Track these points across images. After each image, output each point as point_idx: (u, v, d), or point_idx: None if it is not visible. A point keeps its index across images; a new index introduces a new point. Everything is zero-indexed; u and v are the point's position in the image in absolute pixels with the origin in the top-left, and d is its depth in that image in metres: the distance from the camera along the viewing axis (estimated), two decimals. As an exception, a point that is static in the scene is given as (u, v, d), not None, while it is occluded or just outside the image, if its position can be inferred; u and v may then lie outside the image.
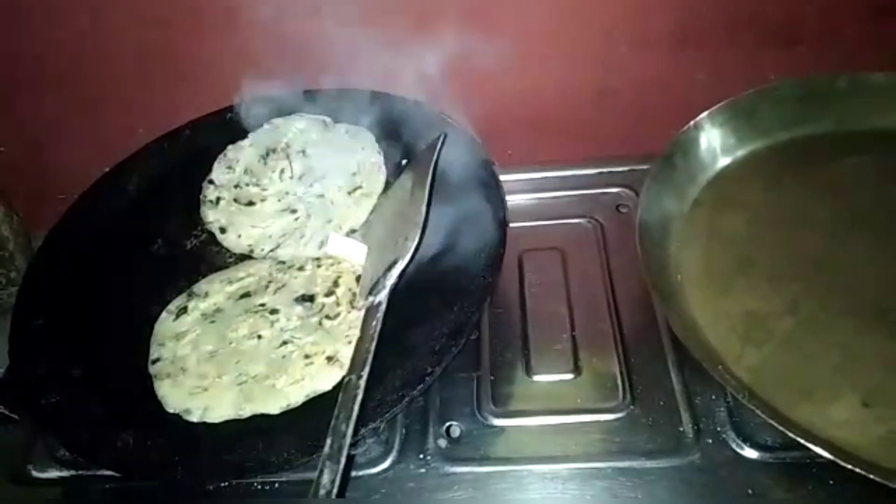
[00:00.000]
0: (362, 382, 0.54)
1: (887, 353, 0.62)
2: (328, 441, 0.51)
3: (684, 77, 0.88)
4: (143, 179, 0.84)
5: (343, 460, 0.49)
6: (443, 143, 0.70)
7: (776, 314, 0.66)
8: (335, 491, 0.48)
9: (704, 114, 0.77)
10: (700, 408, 0.64)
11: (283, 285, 0.72)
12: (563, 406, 0.66)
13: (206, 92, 0.90)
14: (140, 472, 0.61)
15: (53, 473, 0.69)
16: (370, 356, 0.56)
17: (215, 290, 0.73)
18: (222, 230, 0.80)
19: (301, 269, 0.73)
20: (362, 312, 0.63)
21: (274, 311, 0.70)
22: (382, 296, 0.62)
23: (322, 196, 0.80)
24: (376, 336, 0.58)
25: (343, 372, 0.65)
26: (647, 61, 0.88)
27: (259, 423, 0.63)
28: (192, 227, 0.82)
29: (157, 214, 0.83)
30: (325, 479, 0.49)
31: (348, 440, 0.51)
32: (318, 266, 0.73)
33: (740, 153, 0.79)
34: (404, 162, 0.82)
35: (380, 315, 0.60)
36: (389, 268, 0.64)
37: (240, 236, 0.79)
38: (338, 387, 0.64)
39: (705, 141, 0.78)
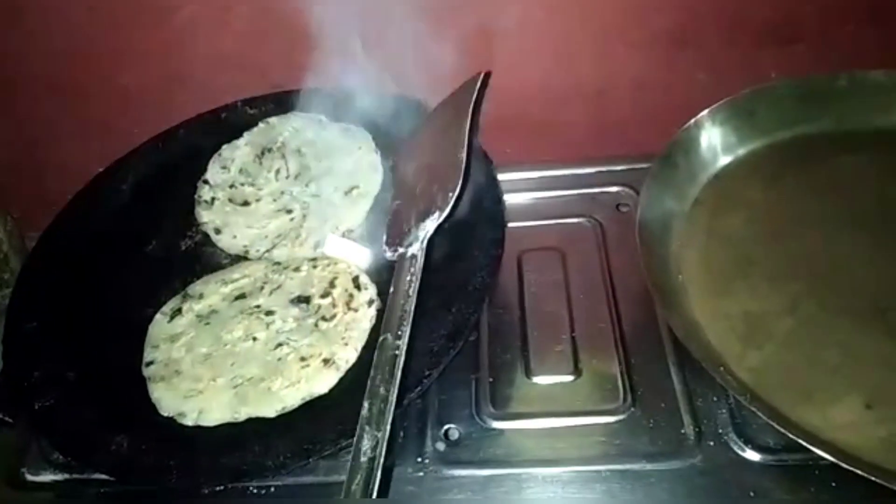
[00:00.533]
0: (401, 343, 0.48)
1: (889, 353, 0.62)
2: (365, 405, 0.46)
3: (684, 76, 0.88)
4: (138, 180, 0.84)
5: (387, 428, 0.45)
6: (484, 83, 0.61)
7: (777, 314, 0.66)
8: (380, 459, 0.44)
9: (704, 112, 0.77)
10: (701, 410, 0.64)
11: (279, 286, 0.72)
12: (563, 408, 0.66)
13: (201, 91, 0.89)
14: (135, 475, 0.60)
15: (47, 477, 0.68)
16: (409, 314, 0.50)
17: (210, 292, 0.73)
18: (217, 231, 0.79)
19: (297, 269, 0.73)
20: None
21: (269, 313, 0.69)
22: (416, 248, 0.55)
23: (318, 196, 0.79)
24: (413, 293, 0.52)
25: (339, 374, 0.64)
26: (646, 60, 0.87)
27: (255, 427, 0.62)
28: (187, 227, 0.81)
29: (152, 215, 0.82)
30: (366, 445, 0.44)
31: (391, 404, 0.46)
32: (314, 267, 0.73)
33: (741, 152, 0.79)
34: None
35: (414, 270, 0.54)
36: (423, 218, 0.57)
37: (235, 237, 0.78)
38: (334, 389, 0.64)
39: (706, 140, 0.78)
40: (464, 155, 0.57)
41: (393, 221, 0.60)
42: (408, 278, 0.54)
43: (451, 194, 0.55)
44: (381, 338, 0.49)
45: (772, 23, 0.85)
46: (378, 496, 0.43)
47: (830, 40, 0.86)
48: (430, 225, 0.55)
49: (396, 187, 0.63)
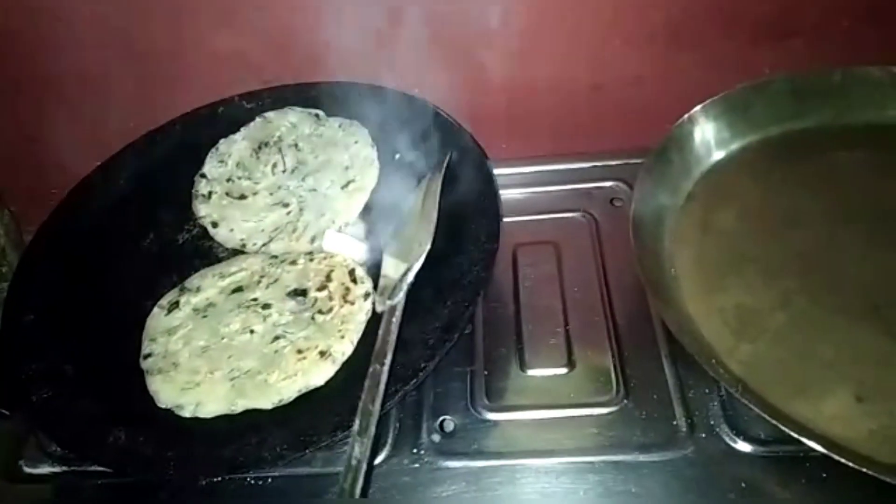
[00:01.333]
0: (385, 369, 0.59)
1: (880, 347, 0.62)
2: (357, 420, 0.56)
3: (679, 71, 0.88)
4: (135, 174, 0.84)
5: (372, 435, 0.55)
6: (448, 162, 0.75)
7: (769, 309, 0.66)
8: (364, 463, 0.54)
9: (698, 107, 0.77)
10: (693, 402, 0.64)
11: (276, 280, 0.72)
12: (557, 400, 0.66)
13: (198, 85, 0.89)
14: (132, 467, 0.60)
15: (45, 469, 0.68)
16: (391, 347, 0.61)
17: (207, 285, 0.73)
18: (214, 224, 0.79)
19: (293, 263, 0.73)
20: (382, 313, 0.66)
21: (266, 306, 0.70)
22: (399, 298, 0.65)
23: (314, 190, 0.80)
24: (396, 330, 0.63)
25: (336, 367, 0.65)
26: (641, 55, 0.87)
27: (252, 419, 0.63)
28: (185, 221, 0.81)
29: (149, 209, 0.82)
30: (357, 451, 0.54)
31: (375, 418, 0.56)
32: (311, 260, 0.73)
33: (734, 147, 0.79)
34: (397, 156, 0.81)
35: (398, 313, 0.64)
36: (405, 273, 0.66)
37: (232, 230, 0.78)
38: (331, 381, 0.64)
39: (699, 135, 0.78)
40: (434, 216, 0.69)
41: (385, 280, 0.69)
42: (393, 319, 0.63)
43: (424, 247, 0.67)
44: (371, 367, 0.59)
45: (768, 18, 0.85)
46: (363, 488, 0.53)
47: (826, 36, 0.86)
48: (410, 276, 0.66)
49: (388, 255, 0.73)
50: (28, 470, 0.69)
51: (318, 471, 0.64)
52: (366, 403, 0.57)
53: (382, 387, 0.58)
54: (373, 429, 0.56)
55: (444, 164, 0.75)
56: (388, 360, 0.60)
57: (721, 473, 0.60)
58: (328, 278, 0.71)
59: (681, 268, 0.70)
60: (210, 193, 0.82)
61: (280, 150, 0.84)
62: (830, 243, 0.70)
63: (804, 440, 0.53)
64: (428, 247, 0.67)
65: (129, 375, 0.68)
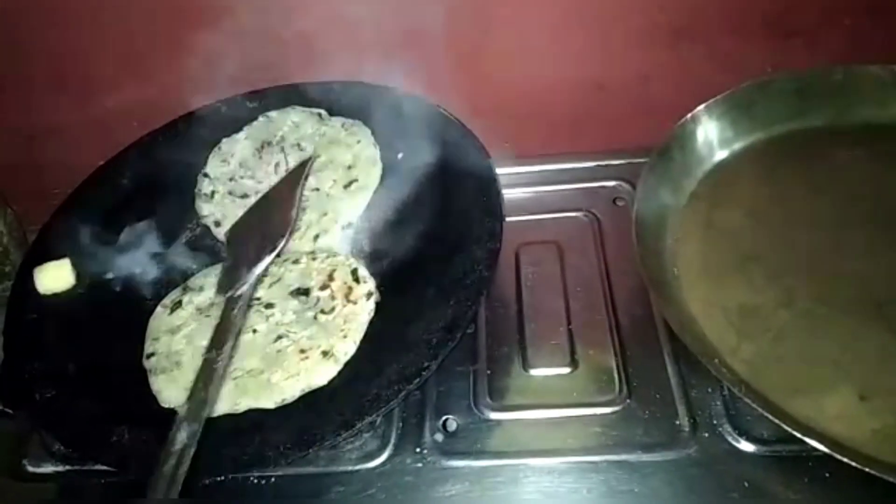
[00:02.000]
0: (223, 358, 0.57)
1: (883, 346, 0.62)
2: (186, 404, 0.54)
3: (682, 70, 0.88)
4: (138, 173, 0.84)
5: (202, 422, 0.53)
6: (311, 164, 0.78)
7: (772, 307, 0.66)
8: (192, 449, 0.51)
9: (702, 106, 0.77)
10: (696, 401, 0.64)
11: (278, 279, 0.72)
12: (560, 400, 0.66)
13: (200, 85, 0.89)
14: (135, 466, 0.60)
15: (49, 468, 0.69)
16: (231, 336, 0.59)
17: (210, 284, 0.73)
18: (217, 224, 0.79)
19: (296, 262, 0.73)
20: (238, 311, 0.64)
21: (269, 305, 0.70)
22: (245, 289, 0.65)
23: (317, 189, 0.80)
24: (238, 322, 0.61)
25: (338, 367, 0.65)
26: (644, 54, 0.87)
27: (254, 418, 0.63)
28: (188, 220, 0.82)
29: (152, 208, 0.82)
30: (182, 434, 0.51)
31: (207, 404, 0.54)
32: (313, 259, 0.73)
33: (738, 146, 0.79)
34: (400, 156, 0.81)
35: (241, 304, 0.63)
36: (253, 265, 0.66)
37: (235, 230, 0.79)
38: (333, 381, 0.64)
39: (702, 134, 0.78)
40: (294, 214, 0.71)
41: (225, 273, 0.69)
42: (234, 312, 0.62)
43: (279, 242, 0.68)
44: (206, 354, 0.58)
45: (770, 17, 0.85)
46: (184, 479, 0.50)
47: (828, 34, 0.86)
48: (258, 270, 0.66)
49: (228, 248, 0.74)
50: (31, 469, 0.69)
51: (321, 470, 0.64)
52: (197, 389, 0.55)
53: (219, 375, 0.56)
54: (204, 415, 0.53)
55: (310, 164, 0.76)
56: (225, 349, 0.58)
57: (724, 473, 0.60)
58: (330, 277, 0.71)
59: (683, 267, 0.70)
60: (213, 192, 0.82)
61: (283, 149, 0.84)
62: (833, 242, 0.70)
63: (807, 439, 0.53)
64: (282, 243, 0.67)
65: (132, 375, 0.68)
